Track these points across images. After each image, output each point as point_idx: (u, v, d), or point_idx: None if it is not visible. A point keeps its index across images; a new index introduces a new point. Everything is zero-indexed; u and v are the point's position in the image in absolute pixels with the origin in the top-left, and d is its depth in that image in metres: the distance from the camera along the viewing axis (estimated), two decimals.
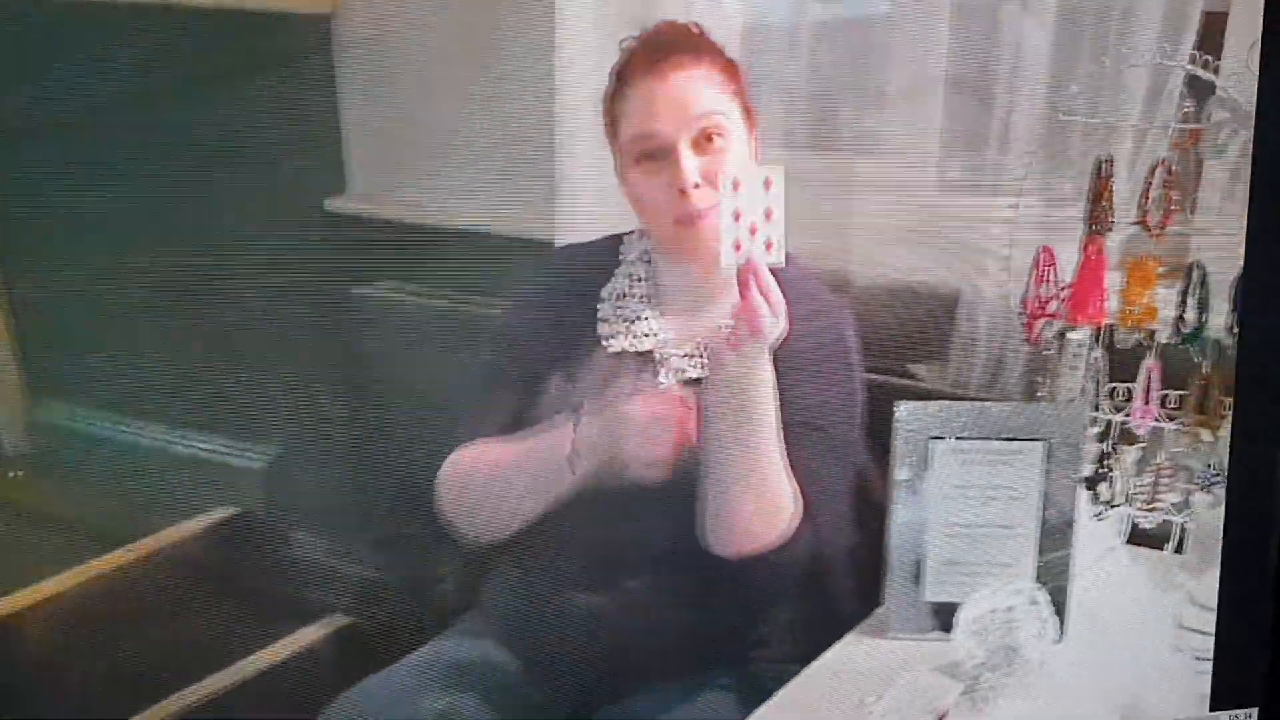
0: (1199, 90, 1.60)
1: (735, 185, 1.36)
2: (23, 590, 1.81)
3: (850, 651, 1.51)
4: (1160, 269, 1.63)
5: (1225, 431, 1.61)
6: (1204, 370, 1.62)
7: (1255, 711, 1.43)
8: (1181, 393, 1.65)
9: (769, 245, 1.36)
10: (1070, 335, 1.67)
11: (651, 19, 1.59)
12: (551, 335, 1.58)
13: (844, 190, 1.89)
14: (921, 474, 1.49)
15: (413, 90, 1.95)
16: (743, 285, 1.36)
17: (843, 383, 1.53)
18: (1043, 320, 1.68)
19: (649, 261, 1.60)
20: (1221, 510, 1.56)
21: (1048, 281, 1.68)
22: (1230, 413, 1.59)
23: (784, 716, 1.42)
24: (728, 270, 1.37)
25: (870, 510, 1.58)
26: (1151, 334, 1.65)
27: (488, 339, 1.66)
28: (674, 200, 1.49)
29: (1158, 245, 1.63)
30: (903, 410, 1.48)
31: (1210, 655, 1.46)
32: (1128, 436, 1.68)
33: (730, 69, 1.53)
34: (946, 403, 1.49)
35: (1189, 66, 1.61)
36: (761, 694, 1.45)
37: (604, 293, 1.59)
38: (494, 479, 1.54)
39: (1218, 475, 1.61)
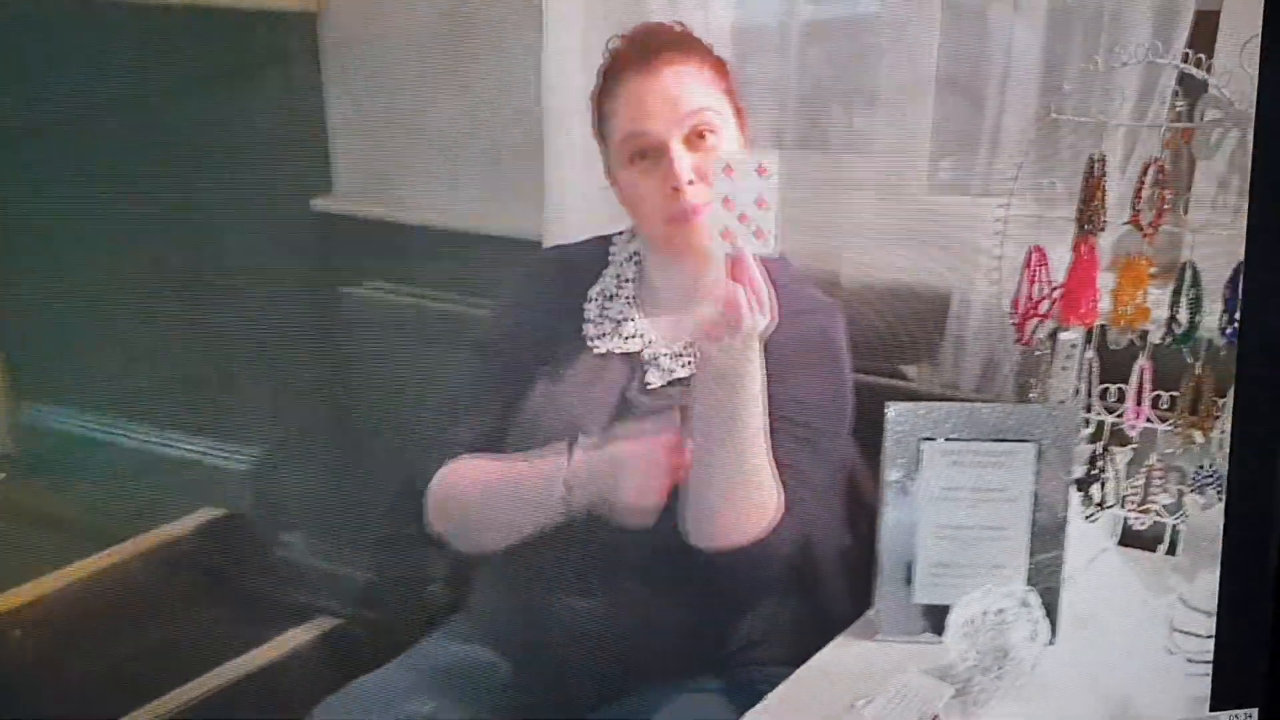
0: (1191, 89, 1.59)
1: (727, 170, 1.34)
2: (7, 592, 1.80)
3: (841, 654, 1.51)
4: (1152, 269, 1.62)
5: (1218, 433, 1.61)
6: (1196, 371, 1.62)
7: (1255, 712, 1.43)
8: (1174, 394, 1.64)
9: (759, 234, 1.34)
10: (1062, 336, 1.67)
11: (639, 19, 1.59)
12: (538, 336, 1.58)
13: (835, 190, 1.89)
14: (912, 475, 1.49)
15: (399, 89, 1.94)
16: (729, 275, 1.35)
17: (831, 381, 1.53)
18: (1034, 320, 1.68)
19: (639, 262, 1.60)
20: (1214, 512, 1.56)
21: (1039, 281, 1.67)
22: (1223, 414, 1.60)
23: (774, 719, 1.41)
24: (714, 255, 1.35)
25: (861, 511, 1.57)
26: (1144, 334, 1.64)
27: (475, 340, 1.66)
28: (667, 198, 1.48)
29: (1150, 245, 1.62)
30: (893, 411, 1.48)
31: (1202, 657, 1.46)
32: (1120, 437, 1.67)
33: (719, 66, 1.52)
34: (937, 404, 1.48)
35: (1181, 65, 1.60)
36: (752, 697, 1.45)
37: (591, 293, 1.59)
38: (484, 502, 1.54)
39: (1210, 477, 1.61)
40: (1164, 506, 1.65)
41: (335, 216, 2.05)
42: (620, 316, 1.57)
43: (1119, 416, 1.67)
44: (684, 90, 1.48)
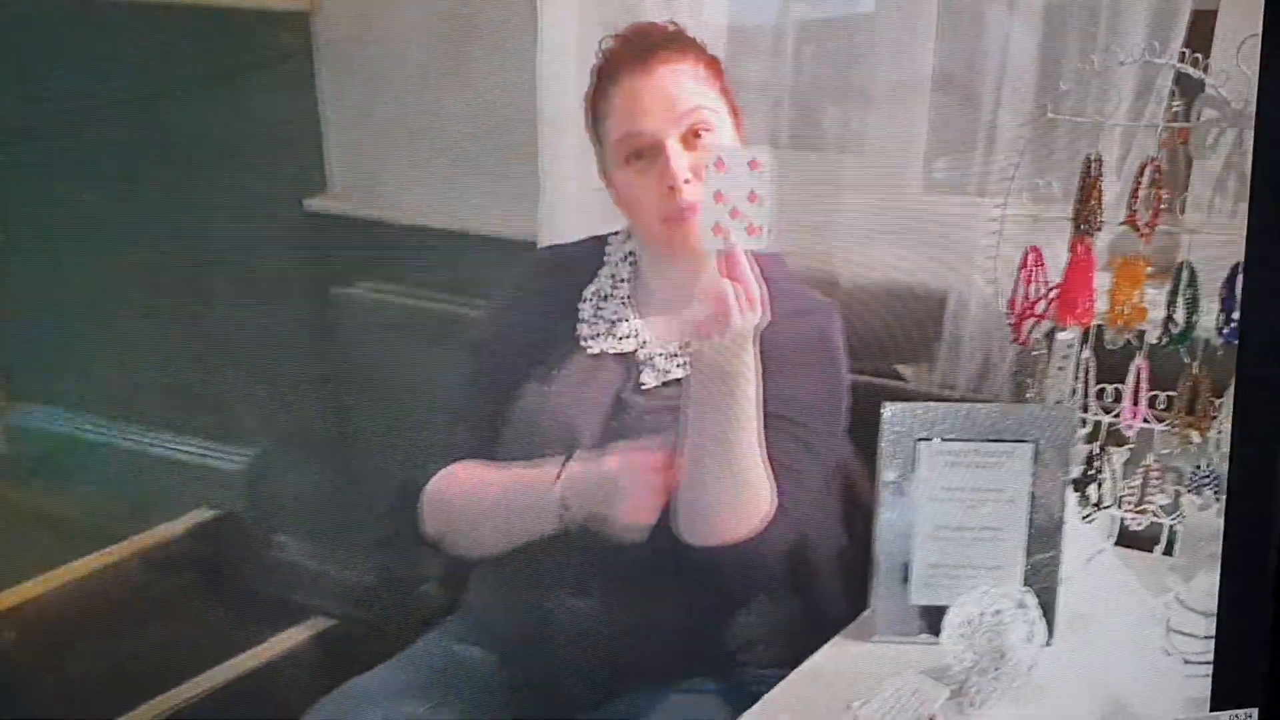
0: (1188, 89, 1.59)
1: (719, 164, 1.33)
2: (1, 593, 1.79)
3: (837, 655, 1.51)
4: (1149, 269, 1.62)
5: (1214, 433, 1.61)
6: (1193, 371, 1.62)
7: (1255, 712, 1.43)
8: (1171, 394, 1.64)
9: (751, 230, 1.34)
10: (1059, 336, 1.66)
11: (634, 19, 1.58)
12: (533, 337, 1.57)
13: (830, 190, 1.88)
14: (908, 476, 1.48)
15: (394, 89, 1.93)
16: (720, 272, 1.35)
17: (827, 381, 1.52)
18: (1031, 321, 1.68)
19: (634, 263, 1.59)
20: (1211, 512, 1.56)
21: (1036, 282, 1.67)
22: (1220, 414, 1.60)
23: None
24: (706, 250, 1.35)
25: (857, 512, 1.57)
26: (1140, 334, 1.64)
27: (469, 340, 1.66)
28: (663, 197, 1.47)
29: (1146, 245, 1.62)
30: (889, 411, 1.48)
31: (1199, 658, 1.46)
32: (1116, 438, 1.67)
33: (714, 65, 1.52)
34: (934, 404, 1.48)
35: (1178, 65, 1.60)
36: (748, 698, 1.45)
37: (586, 293, 1.58)
38: (479, 511, 1.54)
39: (1207, 477, 1.61)
40: (1161, 507, 1.65)
41: (329, 216, 2.05)
42: (615, 317, 1.56)
43: (1116, 417, 1.67)
44: (680, 89, 1.48)
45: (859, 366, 1.59)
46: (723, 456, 1.40)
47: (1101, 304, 1.65)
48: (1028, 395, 1.69)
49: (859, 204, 1.87)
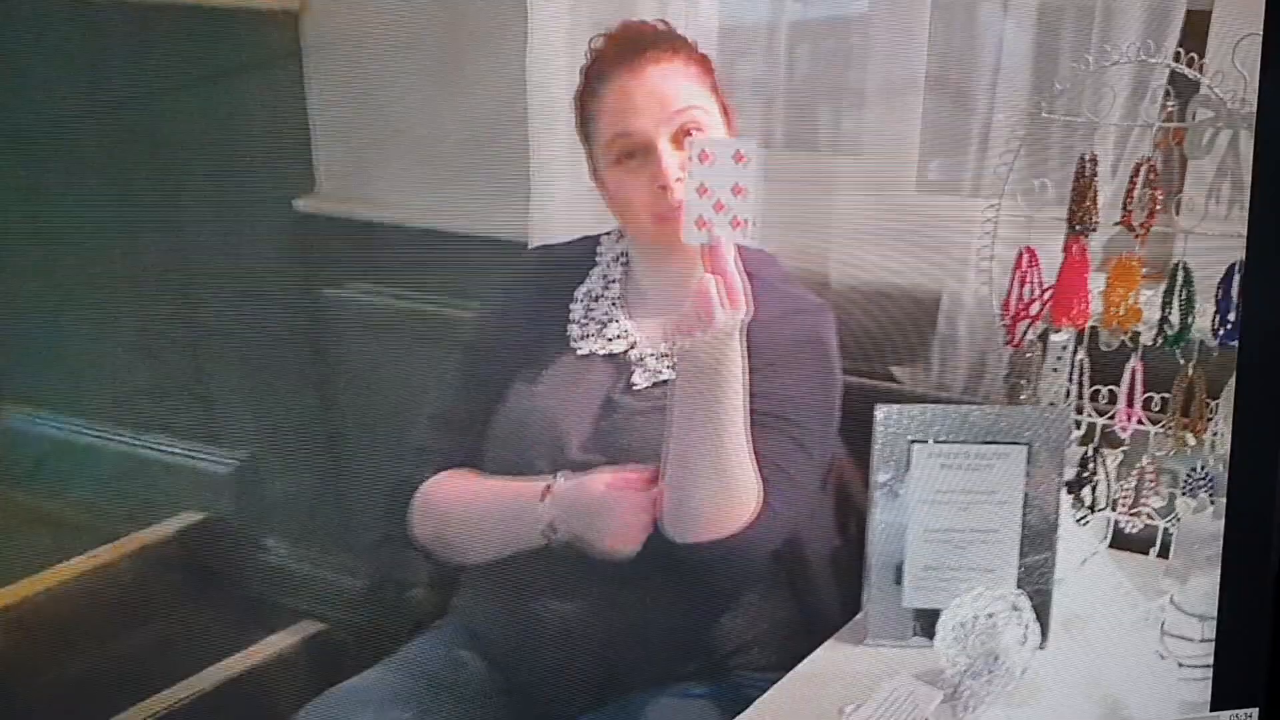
0: (1182, 89, 1.59)
1: (703, 156, 1.32)
2: None
3: (830, 658, 1.50)
4: (1144, 270, 1.61)
5: (1210, 435, 1.60)
6: (1188, 373, 1.61)
7: (1255, 712, 1.42)
8: (1165, 396, 1.64)
9: (736, 223, 1.32)
10: (1053, 337, 1.66)
11: (625, 17, 1.58)
12: (524, 337, 1.57)
13: (823, 191, 1.88)
14: (902, 477, 1.48)
15: (383, 88, 1.92)
16: (703, 267, 1.34)
17: (819, 379, 1.52)
18: (1025, 322, 1.67)
19: (625, 263, 1.59)
20: (1206, 515, 1.55)
21: (1030, 283, 1.67)
22: (1215, 416, 1.59)
23: None
24: (688, 244, 1.34)
25: (850, 514, 1.57)
26: (1135, 336, 1.63)
27: (460, 340, 1.65)
28: (654, 196, 1.47)
29: (1141, 246, 1.61)
30: (882, 413, 1.47)
31: (1194, 661, 1.45)
32: (1111, 440, 1.67)
33: (705, 64, 1.51)
34: (927, 405, 1.47)
35: (1173, 64, 1.59)
36: (741, 703, 1.44)
37: (577, 294, 1.58)
38: (467, 524, 1.54)
39: (1203, 480, 1.60)
40: (1156, 509, 1.65)
41: (318, 217, 2.04)
42: (606, 318, 1.56)
43: (1110, 419, 1.66)
44: (671, 88, 1.47)
45: (852, 367, 1.59)
46: (709, 453, 1.40)
47: (1096, 305, 1.64)
48: (1022, 397, 1.68)
49: (852, 204, 1.86)
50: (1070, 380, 1.66)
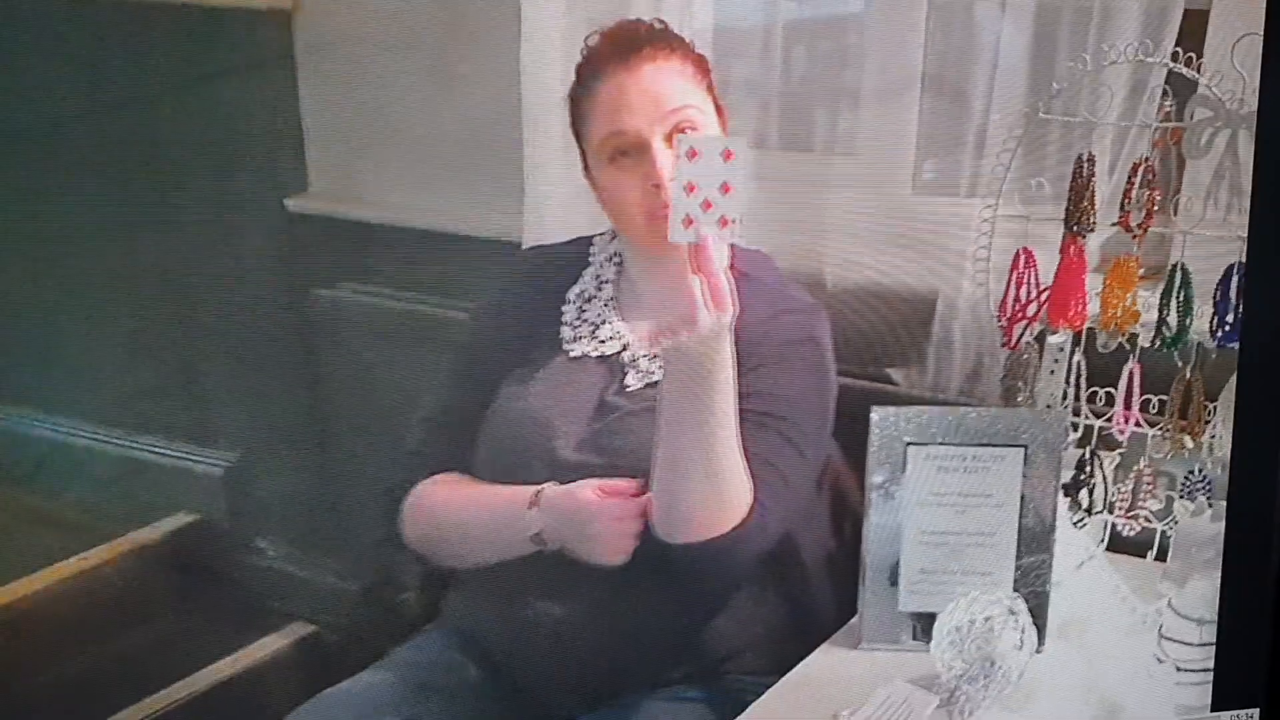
0: (1180, 88, 1.58)
1: (691, 153, 1.30)
2: None
3: (825, 663, 1.49)
4: (1141, 271, 1.61)
5: (1208, 438, 1.60)
6: (1186, 375, 1.61)
7: (1256, 712, 1.42)
8: (1163, 398, 1.63)
9: (724, 221, 1.31)
10: (1050, 339, 1.66)
11: (620, 15, 1.57)
12: (517, 338, 1.56)
13: (819, 192, 1.88)
14: (897, 480, 1.47)
15: (376, 88, 1.92)
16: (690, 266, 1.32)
17: (814, 379, 1.51)
18: (1022, 323, 1.66)
19: (619, 264, 1.58)
20: (1204, 518, 1.55)
21: (1027, 284, 1.66)
22: (1214, 418, 1.58)
23: None
24: (674, 242, 1.32)
25: (845, 516, 1.56)
26: (1133, 337, 1.63)
27: (453, 341, 1.65)
28: (648, 194, 1.46)
29: (1139, 247, 1.61)
30: (878, 415, 1.46)
31: (1191, 665, 1.44)
32: (1108, 442, 1.67)
33: (700, 63, 1.50)
34: (923, 407, 1.47)
35: (1171, 64, 1.59)
36: (735, 707, 1.43)
37: (570, 294, 1.58)
38: (458, 530, 1.55)
39: (1201, 482, 1.60)
40: (1153, 512, 1.64)
41: (310, 217, 2.04)
42: (598, 319, 1.55)
43: (1108, 421, 1.66)
44: (665, 87, 1.46)
45: (848, 369, 1.58)
46: (699, 455, 1.39)
47: (1093, 306, 1.63)
48: (1018, 399, 1.68)
49: (848, 205, 1.86)
50: (1067, 382, 1.66)
